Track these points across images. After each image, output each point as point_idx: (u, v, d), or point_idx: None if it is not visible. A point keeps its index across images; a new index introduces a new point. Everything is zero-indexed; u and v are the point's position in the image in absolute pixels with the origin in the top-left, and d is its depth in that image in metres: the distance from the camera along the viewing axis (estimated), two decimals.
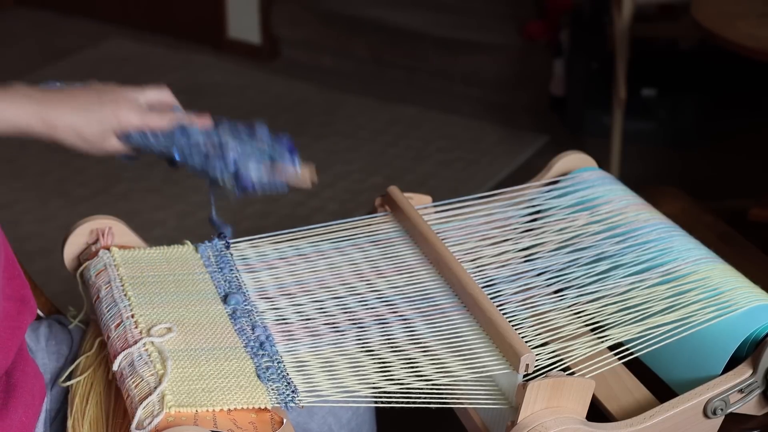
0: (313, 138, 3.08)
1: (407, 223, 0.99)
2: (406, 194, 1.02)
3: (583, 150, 1.08)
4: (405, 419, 0.92)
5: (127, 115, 0.99)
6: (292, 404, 0.78)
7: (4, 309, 0.86)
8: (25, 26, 3.99)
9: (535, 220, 1.01)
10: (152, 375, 0.78)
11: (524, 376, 0.79)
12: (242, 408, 0.77)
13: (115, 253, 0.94)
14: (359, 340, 0.85)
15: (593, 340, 0.85)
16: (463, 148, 3.01)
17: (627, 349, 0.85)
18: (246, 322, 0.86)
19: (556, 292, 0.91)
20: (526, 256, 0.96)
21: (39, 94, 0.98)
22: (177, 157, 0.98)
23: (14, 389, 0.85)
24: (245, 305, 0.89)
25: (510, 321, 0.84)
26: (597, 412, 0.83)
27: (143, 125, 1.00)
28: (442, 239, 0.95)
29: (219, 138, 0.99)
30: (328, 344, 0.84)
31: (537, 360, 0.80)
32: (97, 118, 0.98)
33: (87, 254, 0.97)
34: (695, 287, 0.88)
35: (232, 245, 0.97)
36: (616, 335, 0.85)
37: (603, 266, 0.93)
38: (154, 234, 2.43)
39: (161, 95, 1.05)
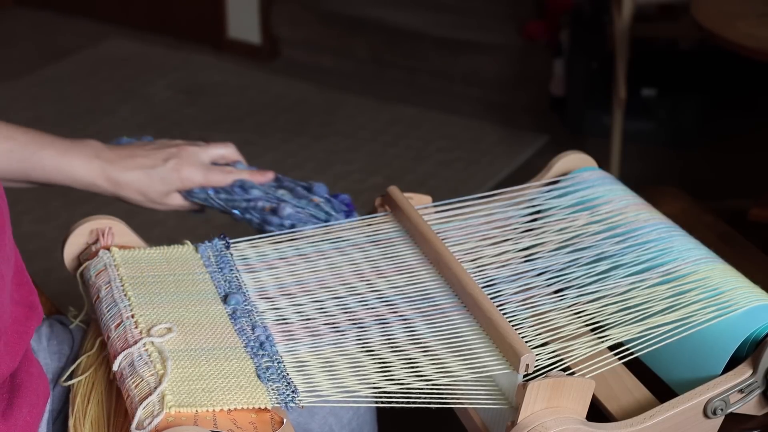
0: (313, 138, 3.08)
1: (407, 223, 0.99)
2: (406, 194, 1.02)
3: (583, 150, 1.08)
4: (405, 419, 0.92)
5: (190, 173, 1.03)
6: (292, 404, 0.78)
7: (13, 314, 0.86)
8: (25, 26, 3.99)
9: (535, 220, 1.01)
10: (152, 375, 0.78)
11: (524, 376, 0.79)
12: (242, 408, 0.77)
13: (115, 253, 0.94)
14: (359, 340, 0.85)
15: (593, 340, 0.85)
16: (463, 148, 3.01)
17: (627, 349, 0.85)
18: (246, 322, 0.86)
19: (556, 292, 0.91)
20: (526, 256, 0.96)
21: (107, 153, 1.03)
22: (237, 215, 1.02)
23: (19, 389, 0.85)
24: (245, 305, 0.89)
25: (510, 321, 0.84)
26: (597, 412, 0.83)
27: (205, 183, 1.04)
28: (442, 239, 0.95)
29: (276, 195, 1.02)
30: (328, 344, 0.84)
31: (537, 360, 0.80)
32: (160, 176, 1.03)
33: (87, 254, 0.97)
34: (695, 287, 0.88)
35: (232, 245, 0.97)
36: (616, 335, 0.85)
37: (603, 266, 0.93)
38: (154, 234, 2.44)
39: (226, 152, 1.08)
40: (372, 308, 0.89)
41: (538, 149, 2.98)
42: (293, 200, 1.02)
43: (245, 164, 1.10)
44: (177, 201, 1.06)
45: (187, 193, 1.05)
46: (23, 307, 0.89)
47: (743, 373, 0.83)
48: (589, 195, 1.02)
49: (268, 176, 1.06)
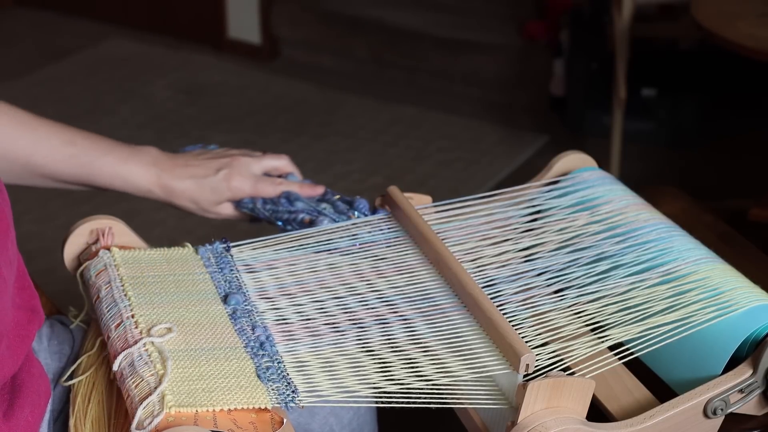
0: (313, 138, 3.08)
1: (407, 223, 0.99)
2: (406, 194, 1.02)
3: (583, 150, 1.08)
4: (405, 419, 0.92)
5: (239, 184, 1.06)
6: (293, 404, 0.78)
7: (15, 318, 0.86)
8: (25, 26, 3.99)
9: (535, 220, 1.01)
10: (152, 375, 0.78)
11: (524, 376, 0.79)
12: (242, 408, 0.77)
13: (116, 254, 0.94)
14: (359, 340, 0.85)
15: (593, 340, 0.85)
16: (463, 148, 3.01)
17: (627, 349, 0.85)
18: (246, 322, 0.86)
19: (556, 292, 0.91)
20: (526, 256, 0.96)
21: (163, 161, 1.06)
22: (279, 225, 1.04)
23: (20, 390, 0.85)
24: (245, 305, 0.89)
25: (510, 321, 0.84)
26: (597, 412, 0.83)
27: (254, 193, 1.06)
28: (443, 239, 0.95)
29: (318, 208, 1.04)
30: (329, 344, 0.84)
31: (537, 360, 0.80)
32: (211, 185, 1.05)
33: (87, 254, 0.97)
34: (695, 287, 0.88)
35: (232, 247, 0.97)
36: (616, 335, 0.85)
37: (603, 266, 0.93)
38: (154, 234, 2.44)
39: (279, 163, 1.10)
40: (372, 308, 0.89)
41: (538, 149, 2.98)
42: (333, 214, 1.03)
43: (299, 176, 1.11)
44: (228, 210, 1.08)
45: (237, 203, 1.08)
46: (25, 311, 0.89)
47: (743, 373, 0.83)
48: (589, 195, 1.02)
49: (318, 190, 1.07)
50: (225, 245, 0.97)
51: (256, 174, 1.07)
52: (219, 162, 1.07)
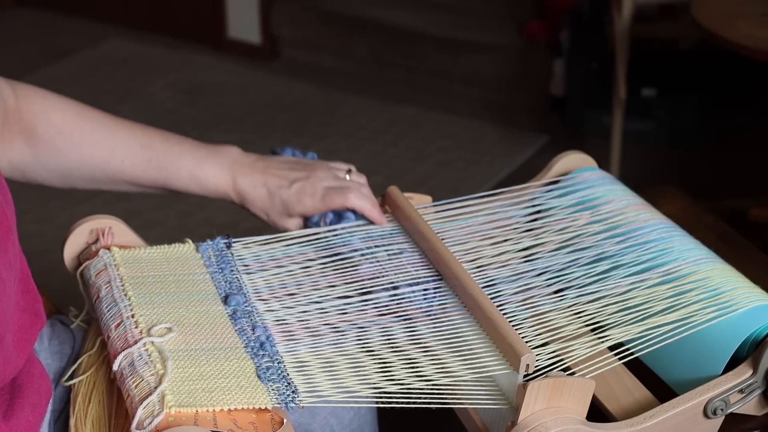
0: (313, 138, 3.08)
1: (407, 223, 0.99)
2: (406, 194, 1.02)
3: (583, 150, 1.08)
4: (405, 419, 0.92)
5: (307, 203, 1.01)
6: (293, 404, 0.78)
7: (18, 321, 0.86)
8: (25, 26, 3.99)
9: (535, 220, 1.01)
10: (152, 375, 0.78)
11: (524, 376, 0.79)
12: (242, 408, 0.77)
13: (116, 253, 0.94)
14: (360, 340, 0.85)
15: (593, 340, 0.85)
16: (463, 148, 3.01)
17: (627, 349, 0.85)
18: (246, 322, 0.86)
19: (556, 292, 0.91)
20: (526, 256, 0.96)
21: (242, 164, 1.02)
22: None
23: (20, 390, 0.85)
24: (246, 306, 0.89)
25: (510, 321, 0.84)
26: (597, 412, 0.83)
27: (323, 208, 1.01)
28: (442, 239, 0.95)
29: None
30: (329, 344, 0.84)
31: (537, 360, 0.80)
32: (281, 199, 1.01)
33: (87, 254, 0.97)
34: (695, 287, 0.88)
35: (233, 245, 0.97)
36: (616, 335, 0.85)
37: (603, 266, 0.93)
38: (154, 234, 2.43)
39: (359, 203, 1.03)
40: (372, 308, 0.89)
41: (538, 149, 2.98)
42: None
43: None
44: (293, 224, 1.03)
45: (306, 220, 1.03)
46: (29, 315, 0.88)
47: (743, 373, 0.83)
48: (589, 195, 1.02)
49: (381, 221, 1.01)
50: (227, 241, 0.96)
51: (326, 187, 1.01)
52: (296, 174, 1.02)
